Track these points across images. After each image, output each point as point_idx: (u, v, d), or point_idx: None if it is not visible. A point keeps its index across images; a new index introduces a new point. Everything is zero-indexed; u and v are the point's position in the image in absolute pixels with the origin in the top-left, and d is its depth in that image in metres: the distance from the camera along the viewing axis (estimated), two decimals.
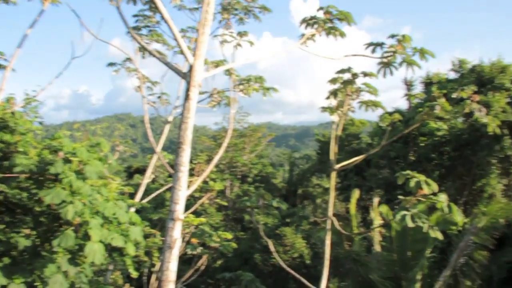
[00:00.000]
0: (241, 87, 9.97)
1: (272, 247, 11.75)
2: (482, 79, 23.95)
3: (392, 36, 8.18)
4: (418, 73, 32.38)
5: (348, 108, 10.16)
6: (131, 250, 7.21)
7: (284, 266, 11.01)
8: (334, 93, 10.05)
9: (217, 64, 10.77)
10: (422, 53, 7.90)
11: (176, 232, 5.68)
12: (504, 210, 14.30)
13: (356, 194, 16.62)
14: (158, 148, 11.85)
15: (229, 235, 11.10)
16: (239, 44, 10.34)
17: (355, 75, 9.66)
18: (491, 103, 21.15)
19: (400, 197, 7.62)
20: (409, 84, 28.34)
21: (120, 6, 6.27)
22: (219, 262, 26.12)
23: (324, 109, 10.41)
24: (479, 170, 23.57)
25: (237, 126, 38.80)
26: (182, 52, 6.02)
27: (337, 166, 9.99)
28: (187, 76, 5.91)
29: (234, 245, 11.09)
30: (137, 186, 13.06)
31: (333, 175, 10.29)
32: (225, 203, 20.97)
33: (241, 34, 10.37)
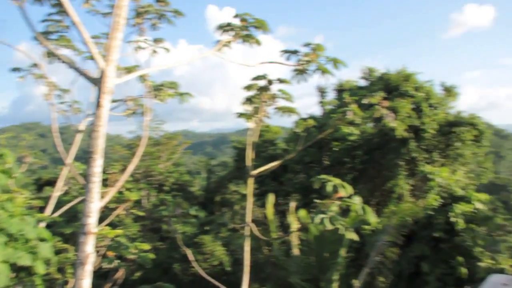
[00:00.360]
0: (155, 93, 9.76)
1: (191, 256, 11.61)
2: (389, 86, 25.22)
3: (307, 44, 8.40)
4: (331, 81, 33.57)
5: (264, 114, 10.29)
6: (40, 268, 6.79)
7: (204, 274, 10.91)
8: (249, 100, 10.15)
9: (129, 70, 10.45)
10: (335, 62, 8.19)
11: (89, 247, 5.40)
12: (411, 209, 15.16)
13: (271, 199, 16.79)
14: (69, 159, 11.31)
15: (146, 246, 10.84)
16: (154, 51, 10.12)
17: (270, 82, 9.82)
18: (397, 109, 22.34)
19: (317, 200, 7.81)
20: (322, 91, 29.31)
21: (24, 7, 5.88)
22: (137, 274, 25.33)
23: (240, 115, 10.48)
24: (388, 172, 24.70)
25: (152, 134, 37.97)
26: (93, 58, 5.76)
27: (254, 172, 10.07)
28: (98, 82, 5.66)
29: (152, 256, 10.85)
30: (47, 199, 12.42)
31: (250, 181, 10.36)
32: (142, 213, 20.38)
33: (156, 40, 10.15)
